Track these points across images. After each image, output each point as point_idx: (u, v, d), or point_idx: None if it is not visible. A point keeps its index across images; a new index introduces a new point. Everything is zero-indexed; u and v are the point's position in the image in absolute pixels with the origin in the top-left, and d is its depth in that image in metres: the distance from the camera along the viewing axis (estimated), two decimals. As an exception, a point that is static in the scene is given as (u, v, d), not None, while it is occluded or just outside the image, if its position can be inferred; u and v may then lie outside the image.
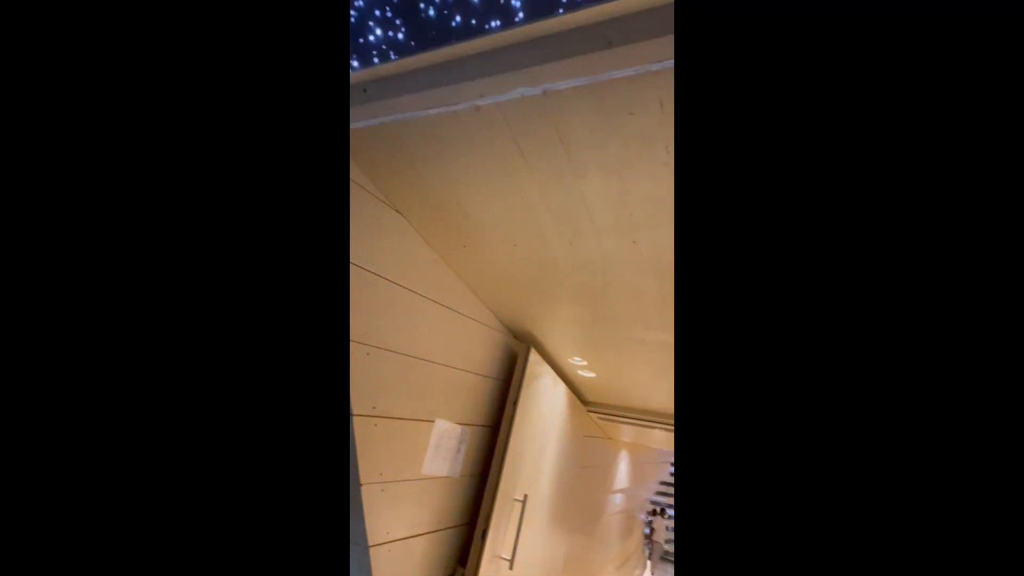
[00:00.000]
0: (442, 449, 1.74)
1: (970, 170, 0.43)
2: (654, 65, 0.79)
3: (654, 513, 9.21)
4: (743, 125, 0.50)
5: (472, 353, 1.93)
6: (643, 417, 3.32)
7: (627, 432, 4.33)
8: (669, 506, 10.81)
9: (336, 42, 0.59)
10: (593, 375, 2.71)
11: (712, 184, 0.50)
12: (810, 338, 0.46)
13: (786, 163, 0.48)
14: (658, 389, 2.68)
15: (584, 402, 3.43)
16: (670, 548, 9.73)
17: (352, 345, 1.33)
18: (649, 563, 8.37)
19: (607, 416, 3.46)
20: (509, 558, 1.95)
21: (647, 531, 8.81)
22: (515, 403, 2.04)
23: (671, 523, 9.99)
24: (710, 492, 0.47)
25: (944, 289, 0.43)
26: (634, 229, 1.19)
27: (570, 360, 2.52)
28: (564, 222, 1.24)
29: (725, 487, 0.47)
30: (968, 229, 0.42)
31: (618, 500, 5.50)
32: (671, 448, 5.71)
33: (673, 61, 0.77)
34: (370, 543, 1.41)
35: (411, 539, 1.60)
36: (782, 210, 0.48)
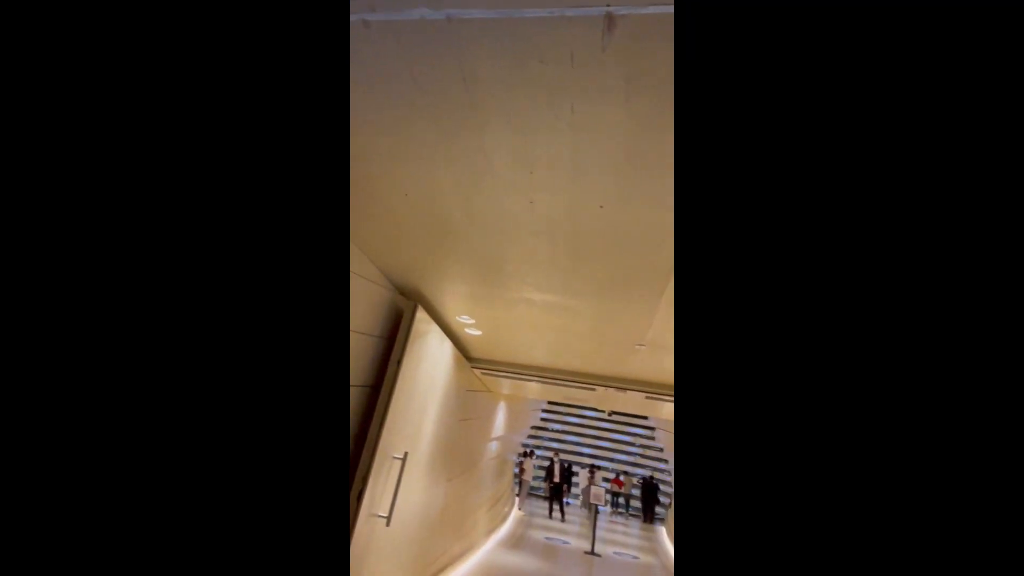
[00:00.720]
0: (315, 413, 1.60)
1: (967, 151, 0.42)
2: (569, 11, 0.73)
3: (525, 455, 10.11)
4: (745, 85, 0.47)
5: (353, 310, 1.77)
6: (524, 372, 3.51)
7: (507, 385, 4.57)
8: (538, 448, 11.94)
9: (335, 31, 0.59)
10: (480, 333, 2.74)
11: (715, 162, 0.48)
12: (812, 331, 0.45)
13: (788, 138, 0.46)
14: (540, 346, 2.83)
15: (469, 359, 3.48)
16: (535, 484, 10.86)
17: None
18: (517, 499, 9.24)
19: (491, 372, 3.58)
20: (386, 515, 1.93)
21: (517, 471, 9.65)
22: (399, 362, 1.96)
23: (538, 462, 11.11)
24: (710, 479, 0.46)
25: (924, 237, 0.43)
26: (533, 189, 1.16)
27: (458, 319, 2.49)
28: (462, 174, 1.16)
29: (724, 477, 0.46)
30: (962, 215, 0.42)
31: (494, 447, 5.87)
32: (543, 398, 6.21)
33: (585, 10, 0.73)
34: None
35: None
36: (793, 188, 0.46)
